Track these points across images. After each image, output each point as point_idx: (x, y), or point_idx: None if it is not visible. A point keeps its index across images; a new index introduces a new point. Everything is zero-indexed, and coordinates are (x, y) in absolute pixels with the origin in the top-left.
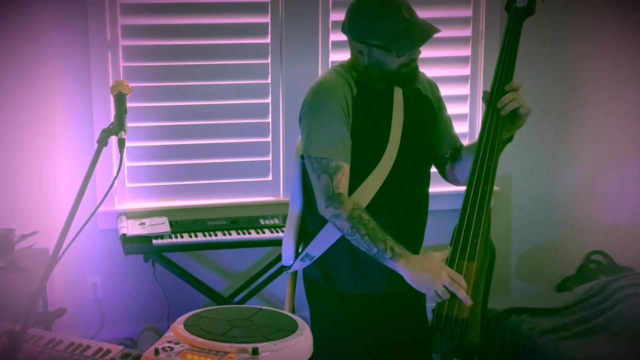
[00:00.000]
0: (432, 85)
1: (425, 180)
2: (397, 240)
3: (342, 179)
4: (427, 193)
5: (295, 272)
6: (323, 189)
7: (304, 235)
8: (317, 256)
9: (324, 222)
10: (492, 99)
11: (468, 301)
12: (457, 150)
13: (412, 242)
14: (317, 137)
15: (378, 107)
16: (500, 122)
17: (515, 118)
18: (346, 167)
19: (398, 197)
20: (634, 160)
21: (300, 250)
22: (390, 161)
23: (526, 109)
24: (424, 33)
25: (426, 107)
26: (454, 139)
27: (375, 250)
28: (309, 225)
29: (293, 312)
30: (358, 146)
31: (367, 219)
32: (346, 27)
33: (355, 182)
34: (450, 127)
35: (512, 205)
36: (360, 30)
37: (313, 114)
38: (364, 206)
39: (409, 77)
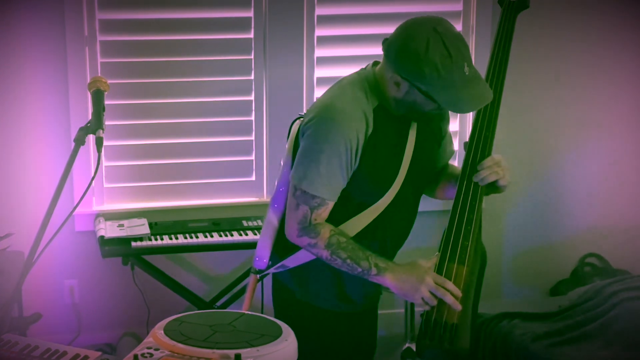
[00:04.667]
0: (446, 115)
1: (419, 200)
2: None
3: (323, 214)
4: (417, 210)
5: (260, 276)
6: (299, 218)
7: (282, 242)
8: (291, 266)
9: None
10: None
11: (457, 306)
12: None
13: (392, 255)
14: (311, 171)
15: (394, 138)
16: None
17: (493, 187)
18: (330, 204)
19: (393, 226)
20: (630, 161)
21: (275, 253)
22: (393, 194)
23: (505, 180)
24: (477, 97)
25: (436, 134)
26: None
27: (360, 269)
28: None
29: None
30: (364, 180)
31: (345, 240)
32: (392, 53)
33: (352, 211)
34: (445, 159)
35: (504, 207)
36: (410, 69)
37: (315, 143)
38: (356, 232)
39: (436, 117)
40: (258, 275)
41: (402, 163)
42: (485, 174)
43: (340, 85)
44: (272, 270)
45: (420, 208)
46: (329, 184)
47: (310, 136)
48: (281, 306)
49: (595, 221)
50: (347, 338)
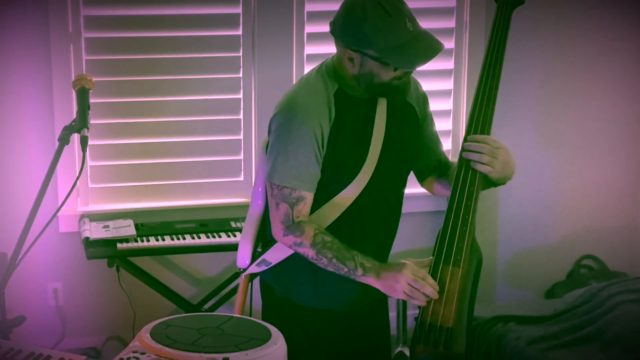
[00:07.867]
0: (420, 96)
1: (401, 193)
2: (363, 253)
3: (304, 209)
4: (400, 205)
5: (250, 276)
6: (281, 217)
7: (263, 238)
8: (274, 263)
9: None
10: (476, 103)
11: (434, 295)
12: (442, 165)
13: (378, 255)
14: (283, 165)
15: (359, 121)
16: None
17: (489, 181)
18: (309, 197)
19: (372, 219)
20: (627, 161)
21: (259, 251)
22: (364, 180)
23: (496, 172)
24: (427, 49)
25: (409, 117)
26: (439, 153)
27: (346, 269)
28: (269, 229)
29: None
30: (333, 166)
31: (330, 240)
32: (337, 29)
33: (324, 199)
34: (435, 143)
35: (498, 207)
36: (356, 39)
37: (282, 137)
38: (328, 224)
39: (400, 89)
40: (243, 274)
41: (370, 147)
42: (475, 149)
43: (301, 79)
44: (253, 266)
45: (415, 208)
46: (300, 175)
47: (275, 131)
48: (265, 305)
49: (592, 222)
50: (329, 337)
